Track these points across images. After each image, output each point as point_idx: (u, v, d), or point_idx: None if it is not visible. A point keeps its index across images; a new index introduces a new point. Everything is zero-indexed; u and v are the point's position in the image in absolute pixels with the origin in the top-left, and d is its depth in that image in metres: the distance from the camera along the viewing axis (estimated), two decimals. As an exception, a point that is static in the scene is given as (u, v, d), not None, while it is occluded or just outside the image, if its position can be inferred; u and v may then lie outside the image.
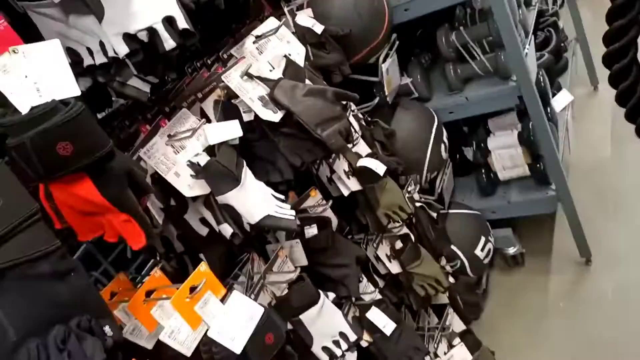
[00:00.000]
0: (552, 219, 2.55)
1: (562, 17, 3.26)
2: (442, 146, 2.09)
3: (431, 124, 2.06)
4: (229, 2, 1.40)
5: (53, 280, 0.84)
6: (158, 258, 1.34)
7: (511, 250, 2.40)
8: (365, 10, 1.80)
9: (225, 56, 1.47)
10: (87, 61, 1.05)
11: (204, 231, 1.30)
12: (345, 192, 1.67)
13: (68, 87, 0.91)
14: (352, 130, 1.70)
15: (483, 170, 2.35)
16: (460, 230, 2.17)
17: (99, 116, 1.35)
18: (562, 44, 3.06)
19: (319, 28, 1.67)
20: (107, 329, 0.88)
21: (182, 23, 1.04)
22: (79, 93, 0.91)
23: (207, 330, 1.14)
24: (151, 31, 1.01)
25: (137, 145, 1.20)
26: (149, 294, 1.18)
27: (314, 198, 1.59)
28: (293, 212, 1.31)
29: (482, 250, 2.18)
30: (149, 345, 1.18)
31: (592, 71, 3.32)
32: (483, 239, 2.19)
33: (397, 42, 2.03)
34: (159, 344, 1.14)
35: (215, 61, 1.47)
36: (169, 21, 1.02)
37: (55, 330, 0.84)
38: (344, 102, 1.56)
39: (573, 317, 2.13)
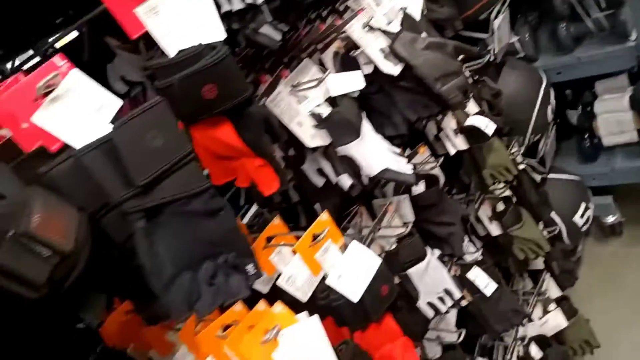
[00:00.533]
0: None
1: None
2: (549, 108, 2.01)
3: (539, 84, 1.98)
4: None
5: (205, 218, 0.88)
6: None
7: (610, 219, 2.31)
8: (481, -38, 1.74)
9: (341, 8, 1.45)
10: (225, 7, 1.06)
11: (320, 182, 1.32)
12: (452, 151, 1.64)
13: (214, 30, 0.93)
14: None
15: (587, 135, 2.26)
16: (560, 196, 2.10)
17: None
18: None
19: (433, -20, 1.62)
20: (250, 267, 0.92)
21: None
22: (224, 37, 0.93)
23: (325, 277, 1.17)
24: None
25: (262, 94, 1.22)
26: (269, 239, 1.21)
27: (423, 155, 1.58)
28: (411, 166, 1.31)
29: (581, 217, 2.11)
30: (265, 290, 1.23)
31: None
32: (583, 205, 2.12)
33: (509, -2, 1.95)
34: (275, 289, 1.17)
35: (330, 13, 1.46)
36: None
37: (205, 265, 0.89)
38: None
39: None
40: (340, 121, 1.22)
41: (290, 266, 1.16)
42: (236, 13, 1.09)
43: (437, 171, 1.57)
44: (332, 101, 1.26)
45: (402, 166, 1.30)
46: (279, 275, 1.12)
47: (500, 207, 1.78)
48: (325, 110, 1.24)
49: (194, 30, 0.90)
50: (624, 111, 2.17)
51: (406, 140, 1.45)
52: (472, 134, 1.66)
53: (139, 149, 0.82)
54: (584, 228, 2.14)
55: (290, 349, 1.01)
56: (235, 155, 1.04)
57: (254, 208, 1.51)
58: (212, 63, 0.90)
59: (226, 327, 1.05)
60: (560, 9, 2.06)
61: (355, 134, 1.24)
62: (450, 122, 1.64)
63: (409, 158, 1.54)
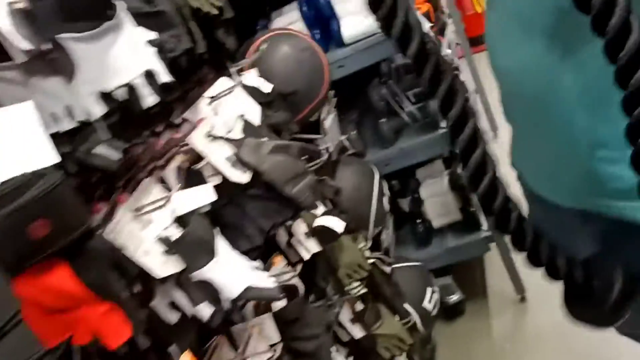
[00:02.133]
0: (481, 262, 2.62)
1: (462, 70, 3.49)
2: (385, 199, 2.08)
3: (373, 178, 2.05)
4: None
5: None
6: None
7: (452, 299, 2.41)
8: (307, 67, 1.78)
9: (177, 121, 1.35)
10: (52, 128, 0.90)
11: (174, 317, 1.15)
12: (306, 256, 1.57)
13: (43, 154, 0.77)
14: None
15: (419, 220, 2.37)
16: (407, 284, 2.14)
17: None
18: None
19: (267, 87, 1.61)
20: None
21: (164, 76, 0.94)
22: (58, 160, 0.77)
23: None
24: (130, 88, 0.90)
25: (97, 227, 1.04)
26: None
27: (278, 265, 1.48)
28: (273, 280, 1.21)
29: (429, 302, 2.16)
30: None
31: (492, 121, 3.56)
32: (429, 290, 2.18)
33: (336, 99, 2.02)
34: None
35: (166, 128, 1.36)
36: (149, 75, 0.92)
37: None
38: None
39: (522, 357, 2.16)
40: (192, 242, 1.09)
41: None
42: (64, 134, 0.93)
43: (296, 281, 1.49)
44: (181, 221, 1.13)
45: (264, 281, 1.19)
46: None
47: (359, 306, 1.74)
48: (174, 233, 1.10)
49: (18, 157, 0.73)
50: (445, 193, 2.34)
51: (262, 252, 1.35)
52: (323, 234, 1.62)
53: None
54: (434, 312, 2.20)
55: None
56: (73, 304, 0.85)
57: None
58: (41, 194, 0.74)
59: None
60: (378, 105, 2.21)
61: (210, 253, 1.11)
62: (300, 226, 1.59)
63: (265, 271, 1.44)
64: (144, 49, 0.92)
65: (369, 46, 2.08)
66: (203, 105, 1.39)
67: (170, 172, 1.22)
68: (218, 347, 1.32)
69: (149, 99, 0.89)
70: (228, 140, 1.28)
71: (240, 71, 1.69)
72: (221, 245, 1.16)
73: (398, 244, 2.43)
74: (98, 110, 0.86)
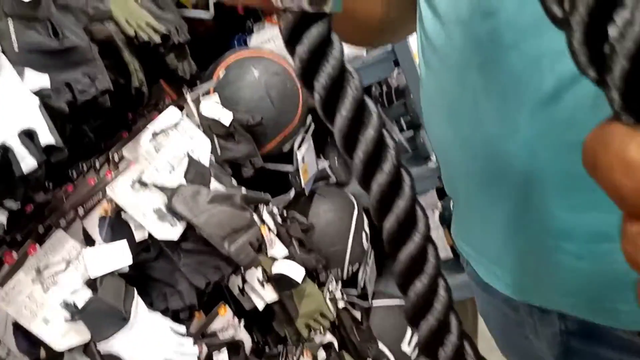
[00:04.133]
0: (473, 304, 2.46)
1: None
2: (364, 235, 1.94)
3: (351, 211, 1.91)
4: (120, 92, 1.21)
5: None
6: None
7: (438, 339, 2.27)
8: (277, 93, 1.65)
9: (116, 157, 1.25)
10: None
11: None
12: (260, 306, 1.46)
13: None
14: (268, 232, 1.52)
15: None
16: (386, 324, 2.01)
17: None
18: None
19: (226, 118, 1.50)
20: None
21: (46, 137, 0.83)
22: None
23: None
24: (4, 149, 0.79)
25: (-3, 284, 0.94)
26: None
27: (223, 317, 1.37)
28: (196, 351, 1.09)
29: (409, 344, 2.02)
30: None
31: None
32: (410, 331, 2.04)
33: (313, 126, 1.89)
34: None
35: (105, 163, 1.25)
36: (28, 135, 0.81)
37: None
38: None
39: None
40: (100, 310, 0.99)
41: None
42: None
43: (241, 334, 1.37)
44: (92, 284, 1.02)
45: (186, 350, 1.08)
46: None
47: (322, 355, 1.62)
48: (82, 297, 0.99)
49: None
50: (437, 228, 2.19)
51: (195, 309, 1.24)
52: (281, 281, 1.50)
53: None
54: (413, 356, 2.06)
55: None
56: None
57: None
58: None
59: None
60: (366, 132, 2.07)
61: (120, 321, 1.00)
62: (255, 272, 1.47)
63: (207, 324, 1.33)
64: (25, 102, 0.81)
65: (359, 68, 1.93)
66: (145, 140, 1.28)
67: (93, 222, 1.12)
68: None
69: (28, 161, 0.78)
70: (159, 187, 1.16)
71: (205, 94, 1.58)
72: (139, 310, 1.06)
73: (386, 277, 2.29)
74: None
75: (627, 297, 0.44)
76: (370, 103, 0.37)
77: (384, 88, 2.18)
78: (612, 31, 0.19)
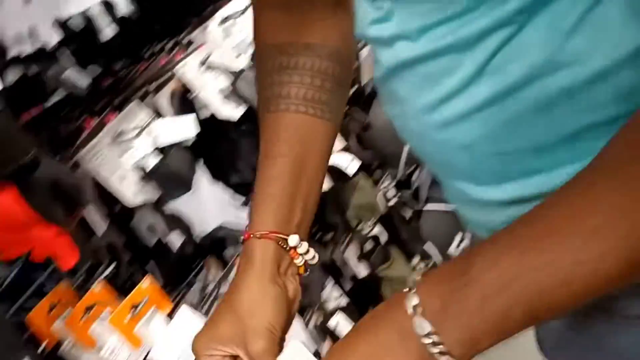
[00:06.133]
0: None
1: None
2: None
3: (411, 115, 1.94)
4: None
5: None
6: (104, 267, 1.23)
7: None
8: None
9: (185, 41, 1.33)
10: (14, 50, 0.91)
11: (152, 239, 1.19)
12: (314, 191, 1.55)
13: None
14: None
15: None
16: (436, 227, 2.08)
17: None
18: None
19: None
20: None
21: (123, 8, 0.91)
22: None
23: (150, 350, 1.05)
24: (86, 18, 0.88)
25: (78, 145, 1.07)
26: (89, 309, 1.07)
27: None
28: (251, 220, 1.20)
29: (457, 247, 2.10)
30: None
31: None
32: (459, 236, 2.10)
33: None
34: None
35: (176, 45, 1.34)
36: (107, 6, 0.89)
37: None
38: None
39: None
40: (168, 174, 1.10)
41: (113, 338, 1.03)
42: (31, 56, 0.94)
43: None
44: (161, 151, 1.13)
45: (243, 217, 1.19)
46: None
47: (368, 246, 1.72)
48: (152, 162, 1.11)
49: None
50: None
51: (251, 186, 1.34)
52: (335, 172, 1.58)
53: None
54: (459, 259, 2.13)
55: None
56: (24, 224, 0.90)
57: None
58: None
59: None
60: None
61: (185, 187, 1.12)
62: (312, 161, 1.55)
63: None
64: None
65: None
66: (214, 25, 1.34)
67: (163, 98, 1.22)
68: (206, 266, 1.35)
69: (107, 30, 0.87)
70: (226, 71, 1.24)
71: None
72: (202, 179, 1.17)
73: (438, 184, 2.33)
74: (53, 37, 0.86)
75: None
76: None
77: None
78: None
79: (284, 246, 0.52)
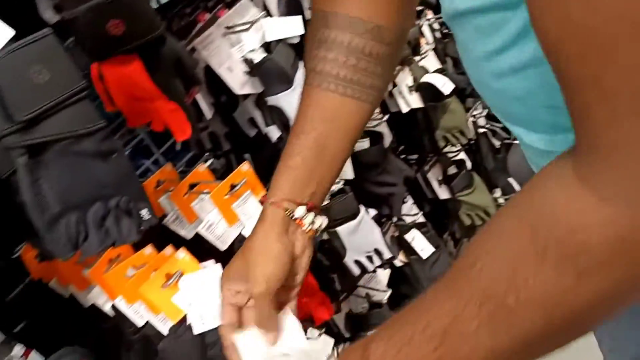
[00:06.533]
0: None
1: None
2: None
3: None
4: None
5: (95, 159, 0.84)
6: (207, 154, 1.35)
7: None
8: None
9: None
10: None
11: (252, 132, 1.29)
12: (405, 109, 1.60)
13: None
14: (424, 44, 1.60)
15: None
16: (522, 162, 2.05)
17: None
18: None
19: None
20: (144, 212, 0.90)
21: None
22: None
23: (243, 228, 1.16)
24: None
25: (193, 35, 1.16)
26: (192, 186, 1.19)
27: (371, 110, 1.53)
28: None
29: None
30: (189, 235, 1.21)
31: None
32: (544, 175, 2.08)
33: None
34: (198, 235, 1.16)
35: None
36: None
37: (95, 207, 0.86)
38: (420, 8, 1.46)
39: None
40: (272, 69, 1.18)
41: (211, 214, 1.15)
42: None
43: (383, 128, 1.53)
44: (267, 47, 1.21)
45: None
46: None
47: (452, 170, 1.75)
48: (259, 57, 1.19)
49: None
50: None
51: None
52: (428, 91, 1.61)
53: (20, 84, 0.78)
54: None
55: (189, 294, 1.01)
56: (148, 97, 1.01)
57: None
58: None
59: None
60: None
61: (288, 83, 1.20)
62: (405, 78, 1.59)
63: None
64: None
65: None
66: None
67: (274, -2, 1.29)
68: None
69: None
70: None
71: None
72: (300, 77, 1.24)
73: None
74: None
75: None
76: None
77: None
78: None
79: (291, 216, 0.61)
